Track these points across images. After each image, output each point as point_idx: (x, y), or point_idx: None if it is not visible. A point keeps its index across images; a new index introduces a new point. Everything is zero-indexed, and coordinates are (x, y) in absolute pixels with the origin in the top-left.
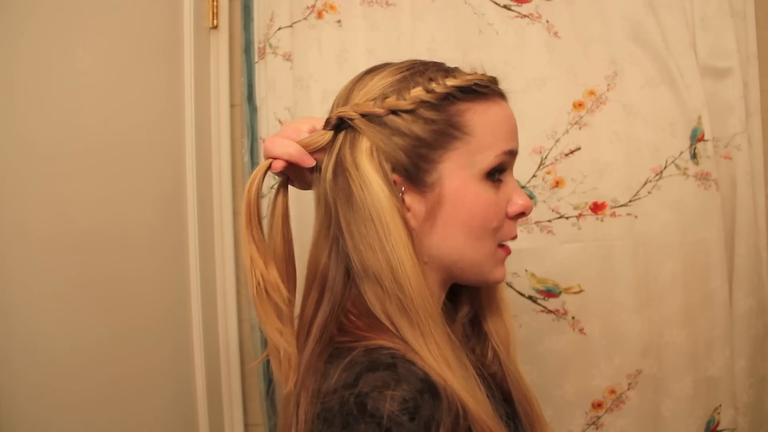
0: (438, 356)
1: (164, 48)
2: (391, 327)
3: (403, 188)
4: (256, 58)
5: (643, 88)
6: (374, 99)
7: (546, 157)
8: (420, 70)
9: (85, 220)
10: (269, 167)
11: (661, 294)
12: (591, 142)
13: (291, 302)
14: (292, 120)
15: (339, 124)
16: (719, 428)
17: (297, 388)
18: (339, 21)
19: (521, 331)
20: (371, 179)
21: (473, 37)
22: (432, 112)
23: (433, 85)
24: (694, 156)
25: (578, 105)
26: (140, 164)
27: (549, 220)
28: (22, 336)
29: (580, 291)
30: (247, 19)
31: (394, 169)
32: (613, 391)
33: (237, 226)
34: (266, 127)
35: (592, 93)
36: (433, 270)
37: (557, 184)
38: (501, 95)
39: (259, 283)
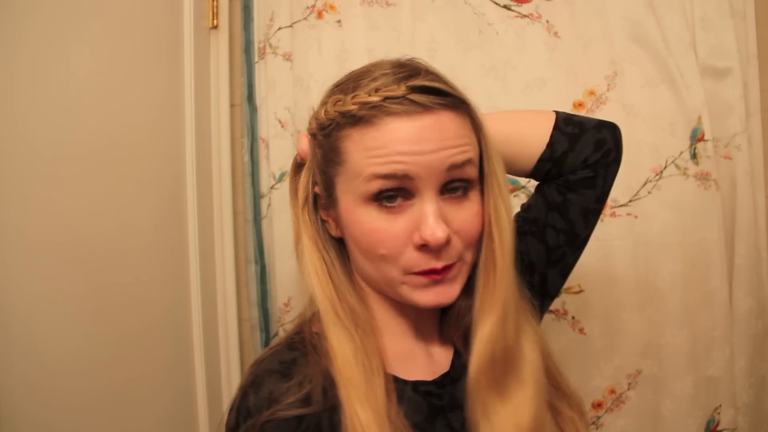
0: (334, 356)
1: (164, 48)
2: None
3: (323, 201)
4: (256, 58)
5: (643, 88)
6: (313, 115)
7: None
8: (332, 91)
9: (85, 221)
10: (295, 159)
11: (661, 294)
12: None
13: None
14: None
15: None
16: (719, 428)
17: None
18: (339, 21)
19: None
20: (299, 187)
21: (473, 37)
22: (322, 138)
23: (321, 113)
24: (694, 156)
25: (578, 105)
26: (140, 164)
27: None
28: (22, 338)
29: (580, 291)
30: (247, 19)
31: (315, 183)
32: (613, 391)
33: (237, 226)
34: (266, 127)
35: (592, 93)
36: (363, 280)
37: None
38: (395, 114)
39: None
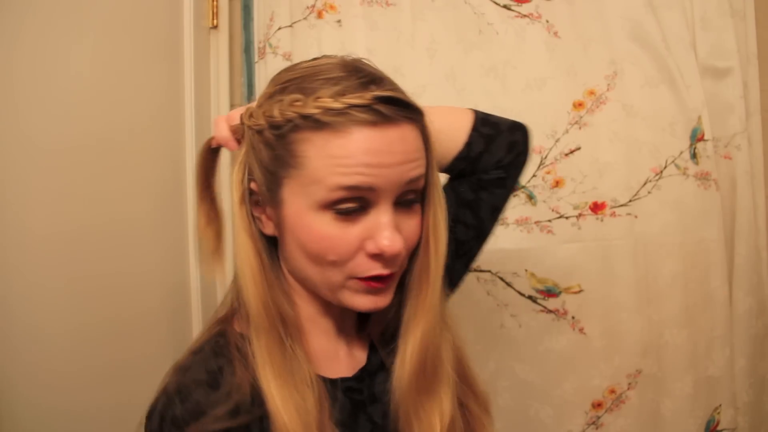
0: (264, 363)
1: (164, 48)
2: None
3: (259, 198)
4: (256, 58)
5: (643, 88)
6: (250, 107)
7: (546, 157)
8: (287, 88)
9: (85, 219)
10: (209, 142)
11: (661, 294)
12: (591, 142)
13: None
14: (244, 107)
15: None
16: (719, 428)
17: None
18: (339, 21)
19: (521, 331)
20: (233, 181)
21: (473, 36)
22: (272, 137)
23: (275, 111)
24: (694, 156)
25: (578, 105)
26: (140, 164)
27: (549, 220)
28: (23, 327)
29: (580, 291)
30: (247, 18)
31: (252, 179)
32: (613, 391)
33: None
34: None
35: (592, 93)
36: (297, 280)
37: (557, 183)
38: (364, 122)
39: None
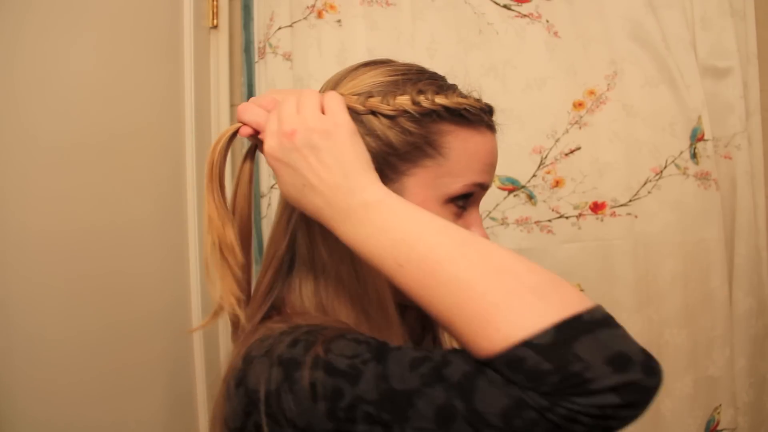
0: None
1: (164, 48)
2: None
3: None
4: (256, 58)
5: (643, 88)
6: (359, 94)
7: (546, 157)
8: (415, 79)
9: (85, 219)
10: (236, 132)
11: (661, 294)
12: (591, 141)
13: (244, 267)
14: (275, 89)
15: None
16: (719, 428)
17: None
18: (339, 21)
19: None
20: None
21: (473, 36)
22: (412, 124)
23: (421, 98)
24: (694, 156)
25: (578, 105)
26: (140, 164)
27: (549, 220)
28: (22, 330)
29: (580, 291)
30: (247, 18)
31: None
32: None
33: None
34: None
35: (592, 93)
36: None
37: (557, 183)
38: (489, 127)
39: (214, 243)
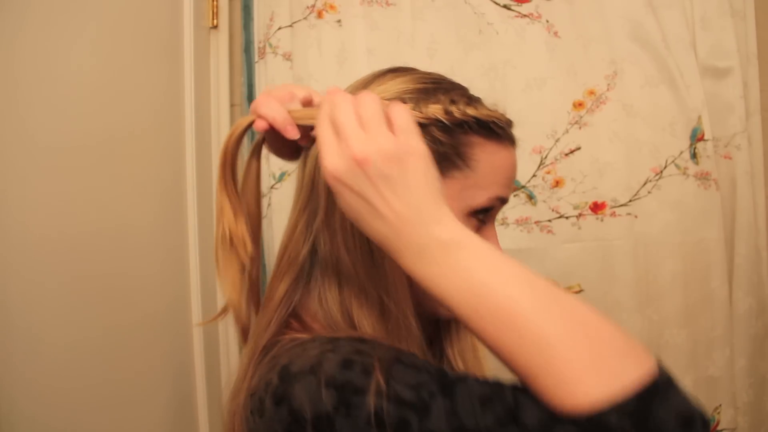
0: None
1: (164, 48)
2: (345, 325)
3: None
4: (256, 58)
5: (643, 88)
6: (389, 100)
7: (546, 157)
8: (445, 88)
9: (85, 219)
10: (251, 123)
11: (661, 294)
12: (591, 141)
13: (254, 259)
14: (290, 84)
15: None
16: (719, 428)
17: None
18: (339, 21)
19: None
20: None
21: (473, 36)
22: (442, 133)
23: (453, 108)
24: (694, 156)
25: (578, 105)
26: (140, 164)
27: (549, 220)
28: (22, 334)
29: (580, 291)
30: (247, 18)
31: None
32: None
33: None
34: None
35: (592, 93)
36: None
37: (557, 183)
38: (512, 141)
39: (224, 234)
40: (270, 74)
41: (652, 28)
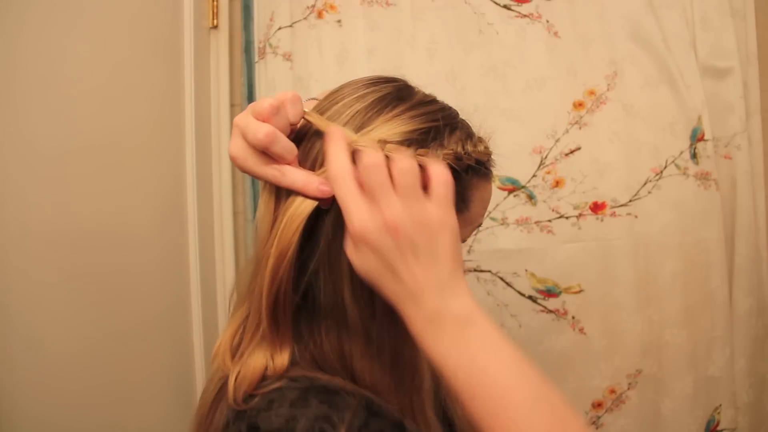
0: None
1: (164, 48)
2: (340, 369)
3: None
4: (256, 58)
5: (643, 88)
6: (399, 142)
7: (546, 157)
8: (451, 126)
9: (85, 220)
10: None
11: (661, 294)
12: (591, 141)
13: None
14: (262, 102)
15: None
16: (719, 428)
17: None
18: (339, 21)
19: (521, 331)
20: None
21: (473, 36)
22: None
23: (463, 154)
24: (694, 156)
25: (578, 105)
26: (140, 164)
27: (549, 220)
28: (22, 335)
29: (580, 291)
30: (247, 19)
31: None
32: (613, 391)
33: (237, 225)
34: None
35: (592, 93)
36: None
37: (557, 183)
38: (491, 173)
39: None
40: (270, 74)
41: (652, 28)
